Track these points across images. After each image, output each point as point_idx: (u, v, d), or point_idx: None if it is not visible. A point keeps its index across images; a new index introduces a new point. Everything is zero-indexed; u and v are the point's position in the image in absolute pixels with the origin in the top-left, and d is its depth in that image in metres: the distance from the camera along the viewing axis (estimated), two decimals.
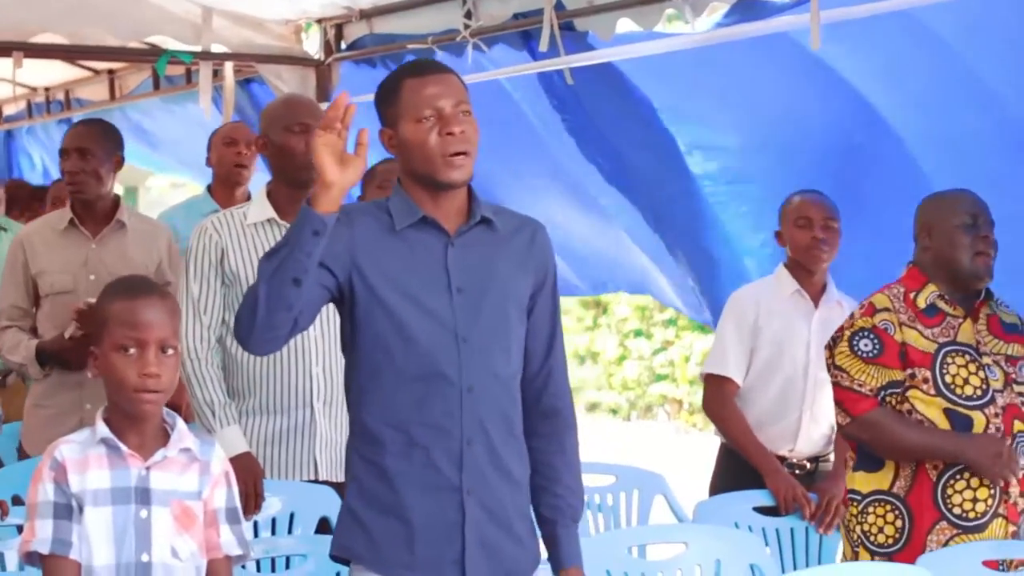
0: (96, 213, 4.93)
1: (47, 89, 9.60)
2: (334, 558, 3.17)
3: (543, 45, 5.45)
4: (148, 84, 8.42)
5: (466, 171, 3.05)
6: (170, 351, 2.88)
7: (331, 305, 3.11)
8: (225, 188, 5.99)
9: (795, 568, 4.59)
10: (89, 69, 8.84)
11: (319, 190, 2.86)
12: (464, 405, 3.04)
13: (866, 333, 4.00)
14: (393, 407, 3.05)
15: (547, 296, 3.21)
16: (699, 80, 5.46)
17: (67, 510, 2.83)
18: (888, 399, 3.96)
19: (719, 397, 4.90)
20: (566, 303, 17.61)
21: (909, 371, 3.95)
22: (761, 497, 4.69)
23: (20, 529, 3.58)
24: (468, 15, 5.87)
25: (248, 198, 5.96)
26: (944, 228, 4.04)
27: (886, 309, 4.01)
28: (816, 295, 4.88)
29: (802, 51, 4.75)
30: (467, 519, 3.05)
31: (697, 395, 17.03)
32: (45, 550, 2.82)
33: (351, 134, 2.89)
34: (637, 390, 17.00)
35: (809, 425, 4.85)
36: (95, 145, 4.88)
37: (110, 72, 8.73)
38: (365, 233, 3.04)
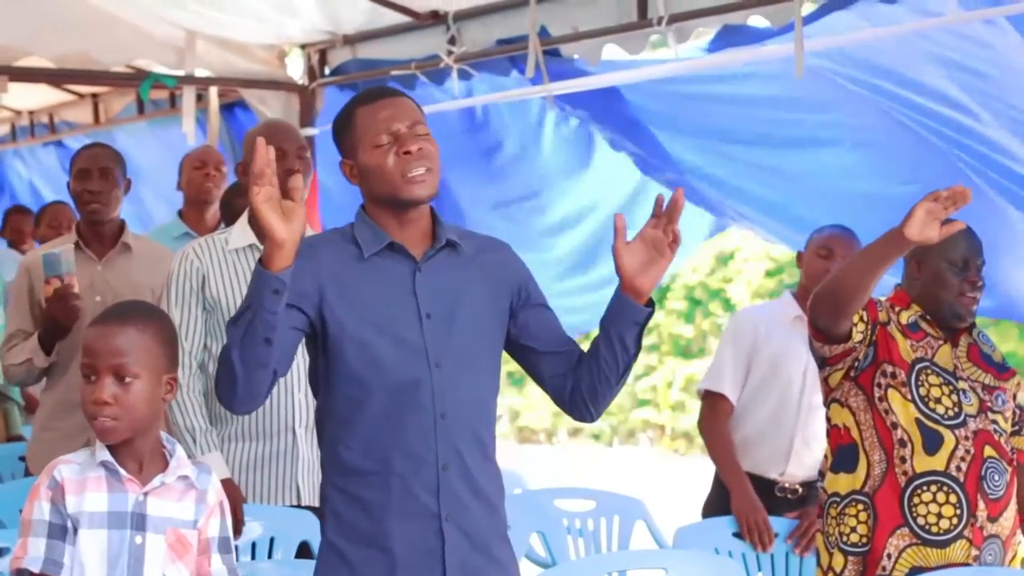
0: (103, 235, 4.88)
1: (31, 112, 9.61)
2: None
3: (529, 71, 5.47)
4: (132, 108, 8.43)
5: (428, 187, 3.03)
6: (128, 379, 2.86)
7: None
8: (196, 210, 6.10)
9: None
10: (73, 92, 8.84)
11: (272, 249, 2.79)
12: (438, 431, 3.03)
13: None
14: (371, 438, 3.04)
15: (536, 299, 3.18)
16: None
17: (61, 531, 2.83)
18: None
19: (712, 415, 4.94)
20: None
21: (890, 368, 3.94)
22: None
23: None
24: (452, 41, 5.90)
25: (218, 219, 6.04)
26: (933, 265, 4.02)
27: (879, 303, 4.03)
28: None
29: None
30: (447, 545, 3.04)
31: (679, 420, 17.11)
32: (36, 568, 2.82)
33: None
34: (620, 415, 17.03)
35: (801, 449, 4.87)
36: (115, 166, 4.84)
37: (94, 96, 8.73)
38: (332, 265, 3.00)
